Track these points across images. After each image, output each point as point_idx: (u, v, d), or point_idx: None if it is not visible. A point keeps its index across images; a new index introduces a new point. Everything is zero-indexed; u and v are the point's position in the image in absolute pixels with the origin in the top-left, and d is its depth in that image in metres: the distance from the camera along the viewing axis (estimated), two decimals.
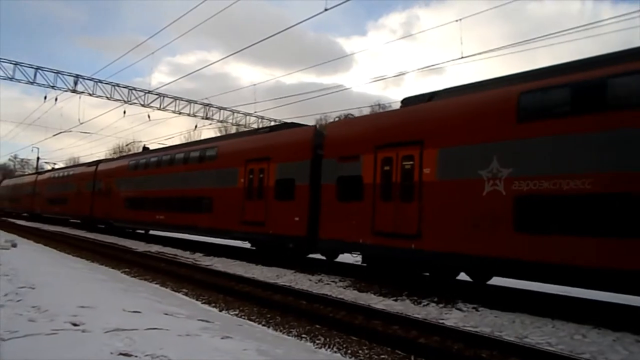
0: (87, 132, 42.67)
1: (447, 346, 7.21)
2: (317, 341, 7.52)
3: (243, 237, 18.43)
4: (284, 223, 15.88)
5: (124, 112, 32.77)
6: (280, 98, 64.30)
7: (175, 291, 11.72)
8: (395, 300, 10.74)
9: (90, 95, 31.01)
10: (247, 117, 36.56)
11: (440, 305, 10.19)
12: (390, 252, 12.44)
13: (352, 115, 29.91)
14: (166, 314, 7.32)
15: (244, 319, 9.04)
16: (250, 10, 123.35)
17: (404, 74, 77.07)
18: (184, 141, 40.20)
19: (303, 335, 7.85)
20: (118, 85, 31.78)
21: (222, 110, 35.92)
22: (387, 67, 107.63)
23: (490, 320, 8.90)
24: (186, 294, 11.35)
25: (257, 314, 9.43)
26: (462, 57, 15.93)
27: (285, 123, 23.09)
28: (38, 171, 58.75)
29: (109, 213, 29.75)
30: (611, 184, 8.49)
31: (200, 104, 34.79)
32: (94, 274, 12.20)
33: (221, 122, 38.01)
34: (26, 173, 71.38)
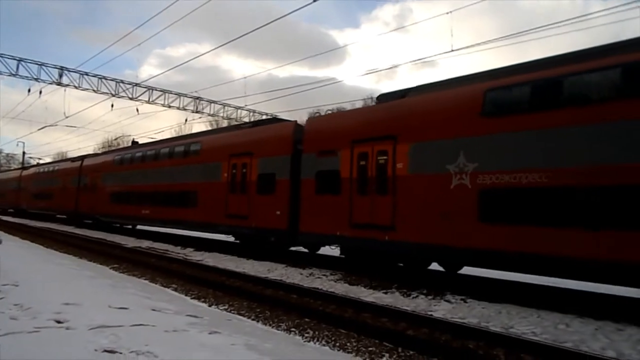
0: (73, 126, 42.08)
1: (435, 337, 7.27)
2: (306, 334, 7.54)
3: (227, 230, 18.72)
4: (266, 217, 16.19)
5: (112, 106, 32.41)
6: (272, 91, 64.06)
7: (165, 287, 11.68)
8: (385, 293, 10.79)
9: (76, 88, 30.55)
10: (239, 110, 36.33)
11: (430, 297, 10.26)
12: (367, 243, 12.87)
13: (344, 108, 29.92)
14: (154, 310, 7.28)
15: (233, 313, 9.02)
16: (242, 3, 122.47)
17: (396, 66, 76.64)
18: (174, 135, 40.01)
19: (292, 329, 7.87)
20: (105, 77, 31.36)
21: (212, 104, 35.66)
22: (380, 60, 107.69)
23: (477, 311, 8.98)
24: (175, 290, 11.30)
25: (246, 308, 9.42)
26: (453, 50, 15.92)
27: (268, 118, 23.40)
28: (23, 166, 58.07)
29: (95, 208, 29.87)
30: (562, 178, 9.01)
31: (190, 97, 34.44)
32: (81, 270, 12.10)
33: (212, 115, 37.76)
34: (12, 168, 70.51)
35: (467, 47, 24.20)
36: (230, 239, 19.46)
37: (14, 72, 28.73)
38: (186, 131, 43.45)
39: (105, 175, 29.37)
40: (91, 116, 64.06)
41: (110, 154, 31.58)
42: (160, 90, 33.29)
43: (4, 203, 51.22)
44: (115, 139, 57.71)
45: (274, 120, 20.34)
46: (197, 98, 34.50)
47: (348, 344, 6.99)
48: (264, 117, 32.83)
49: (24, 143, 67.03)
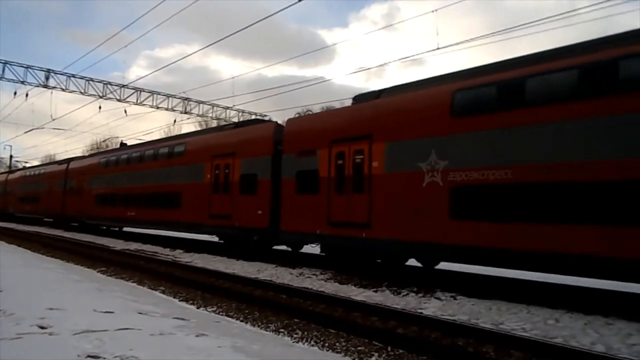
0: (61, 128, 41.74)
1: (425, 335, 7.24)
2: (295, 335, 7.47)
3: (211, 230, 18.85)
4: (249, 216, 16.46)
5: (99, 108, 32.18)
6: (261, 91, 63.78)
7: (153, 289, 11.54)
8: (375, 292, 10.76)
9: (63, 90, 30.30)
10: (227, 110, 36.19)
11: (420, 295, 10.25)
12: (345, 241, 13.17)
13: (333, 107, 29.82)
14: (140, 313, 7.17)
15: (221, 315, 8.91)
16: (232, 4, 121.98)
17: (382, 65, 76.74)
18: (163, 136, 39.74)
19: (281, 330, 7.79)
20: (92, 79, 31.09)
21: (201, 105, 35.49)
22: (369, 59, 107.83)
23: (467, 308, 8.98)
24: (163, 292, 11.18)
25: (235, 309, 9.33)
26: (439, 48, 15.96)
27: (251, 119, 23.68)
28: (10, 170, 57.42)
29: (81, 211, 29.96)
30: (526, 174, 9.37)
31: (179, 98, 34.29)
32: (67, 274, 11.91)
33: (200, 116, 37.57)
34: None
35: (453, 45, 24.28)
36: (215, 239, 19.53)
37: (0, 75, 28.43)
38: (175, 132, 43.23)
39: (90, 178, 29.48)
40: (79, 118, 63.40)
41: (96, 157, 31.79)
42: (149, 92, 33.18)
43: None
44: (104, 141, 57.16)
45: (256, 121, 20.67)
46: (186, 99, 34.35)
47: (337, 344, 6.93)
48: (253, 117, 32.70)
49: (11, 146, 66.20)
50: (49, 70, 29.85)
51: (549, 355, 6.23)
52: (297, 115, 16.58)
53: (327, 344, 6.96)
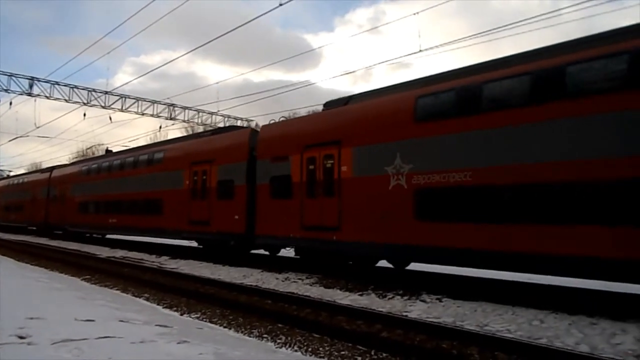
0: (46, 136, 41.33)
1: (409, 338, 7.23)
2: (279, 340, 7.43)
3: (191, 236, 19.13)
4: (226, 221, 16.68)
5: (84, 115, 31.84)
6: (247, 95, 63.81)
7: (137, 296, 11.42)
8: (361, 295, 10.73)
9: (47, 98, 29.97)
10: (213, 116, 36.07)
11: (405, 297, 10.23)
12: (317, 244, 13.48)
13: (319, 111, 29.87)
14: (122, 321, 7.08)
15: (205, 321, 8.84)
16: (219, 10, 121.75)
17: (367, 68, 76.84)
18: (149, 142, 39.49)
19: (264, 335, 7.74)
20: (76, 87, 30.80)
21: (186, 110, 35.30)
22: (355, 63, 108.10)
23: (453, 310, 8.98)
24: (147, 299, 11.07)
25: (219, 316, 9.25)
26: (421, 51, 16.04)
27: (228, 126, 23.93)
28: None
29: (63, 218, 30.09)
30: (483, 176, 9.74)
31: (164, 104, 34.08)
32: (50, 283, 11.74)
33: (186, 122, 37.37)
34: None
35: (434, 47, 24.39)
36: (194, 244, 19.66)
37: None
38: (161, 138, 42.99)
39: (72, 186, 29.61)
40: (64, 125, 62.99)
41: (78, 165, 31.90)
42: (134, 98, 32.89)
43: None
44: (89, 148, 56.63)
45: (233, 127, 20.98)
46: (171, 105, 34.15)
47: (321, 349, 6.90)
48: (239, 122, 32.62)
49: None
50: (32, 78, 29.56)
51: (532, 356, 6.25)
52: (282, 119, 16.61)
53: (310, 349, 6.93)
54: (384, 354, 6.57)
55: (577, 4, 12.97)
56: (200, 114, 35.87)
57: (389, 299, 10.25)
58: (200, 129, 37.84)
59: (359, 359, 6.46)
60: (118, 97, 32.05)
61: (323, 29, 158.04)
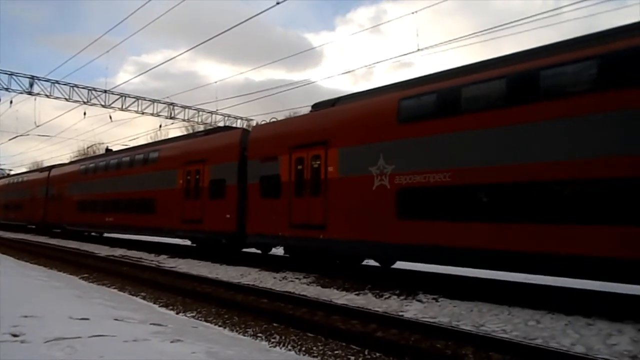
0: (46, 135, 41.42)
1: (404, 338, 7.22)
2: (273, 339, 7.41)
3: (184, 235, 19.37)
4: (218, 220, 16.94)
5: (84, 114, 31.86)
6: (247, 94, 63.64)
7: (134, 295, 11.43)
8: (358, 295, 10.72)
9: (47, 97, 30.01)
10: (213, 115, 36.08)
11: (402, 297, 10.22)
12: (305, 242, 13.81)
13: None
14: (116, 320, 7.07)
15: (200, 320, 8.84)
16: (221, 10, 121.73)
17: (367, 67, 76.61)
18: (149, 141, 39.55)
19: (259, 335, 7.73)
20: (77, 86, 30.82)
21: (186, 109, 35.30)
22: (357, 62, 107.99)
23: (449, 310, 8.96)
24: (144, 298, 11.07)
25: (215, 315, 9.25)
26: (419, 50, 16.04)
27: (221, 127, 24.37)
28: None
29: (62, 217, 30.42)
30: (463, 177, 9.95)
31: (164, 104, 34.08)
32: (49, 281, 11.75)
33: (186, 121, 37.37)
34: None
35: (433, 46, 24.36)
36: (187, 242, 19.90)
37: None
38: (161, 137, 43.02)
39: (70, 185, 29.90)
40: (64, 124, 63.01)
41: (76, 164, 32.20)
42: (134, 97, 32.89)
43: None
44: (89, 147, 56.67)
45: (226, 128, 21.28)
46: (171, 104, 34.15)
47: (314, 348, 6.89)
48: (239, 121, 32.59)
49: None
50: (33, 77, 29.61)
51: (527, 357, 6.23)
52: (261, 123, 16.86)
53: (304, 349, 6.92)
54: (378, 354, 6.56)
55: (577, 2, 12.96)
56: (200, 113, 35.89)
57: (386, 298, 10.24)
58: (201, 127, 37.84)
59: (352, 358, 6.46)
60: (118, 96, 32.08)
61: (324, 28, 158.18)
